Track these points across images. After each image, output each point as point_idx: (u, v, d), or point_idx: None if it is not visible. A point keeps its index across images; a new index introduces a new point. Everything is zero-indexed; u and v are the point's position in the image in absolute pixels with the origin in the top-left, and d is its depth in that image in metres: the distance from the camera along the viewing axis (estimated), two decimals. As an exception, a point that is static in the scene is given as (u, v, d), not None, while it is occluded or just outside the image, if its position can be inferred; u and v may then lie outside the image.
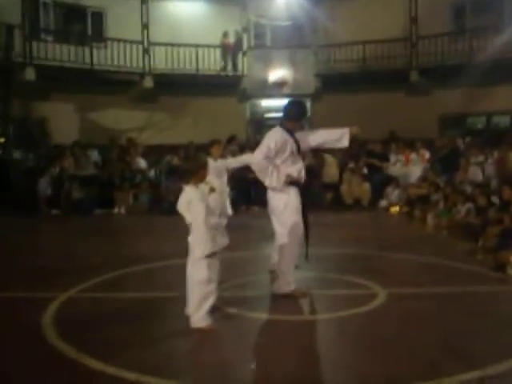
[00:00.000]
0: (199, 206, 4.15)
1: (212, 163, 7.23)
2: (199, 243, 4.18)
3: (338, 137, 5.32)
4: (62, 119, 15.47)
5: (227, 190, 7.41)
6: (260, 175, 5.11)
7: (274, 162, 5.05)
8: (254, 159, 5.15)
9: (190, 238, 4.25)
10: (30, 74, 14.60)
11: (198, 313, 4.19)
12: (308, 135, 5.39)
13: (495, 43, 14.87)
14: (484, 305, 4.88)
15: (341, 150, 13.81)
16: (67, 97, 15.45)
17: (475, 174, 11.05)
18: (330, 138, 5.38)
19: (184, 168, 4.44)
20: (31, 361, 3.71)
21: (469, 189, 9.76)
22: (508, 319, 4.47)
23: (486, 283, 5.59)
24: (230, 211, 6.41)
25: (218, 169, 6.87)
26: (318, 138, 5.37)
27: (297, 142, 5.18)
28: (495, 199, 8.44)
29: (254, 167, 5.15)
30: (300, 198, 5.12)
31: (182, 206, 4.22)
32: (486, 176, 11.16)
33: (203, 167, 4.33)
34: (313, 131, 5.56)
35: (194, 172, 4.25)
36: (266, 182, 5.07)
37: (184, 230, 4.37)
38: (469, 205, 8.78)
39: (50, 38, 15.90)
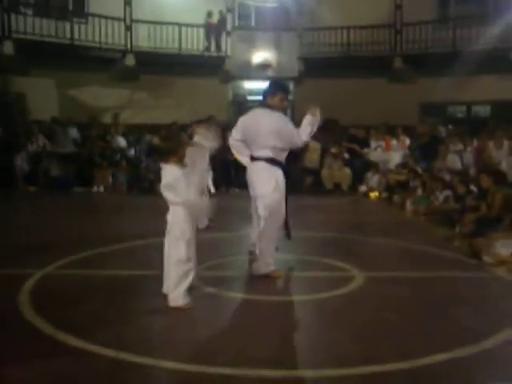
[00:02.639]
0: (181, 185, 4.13)
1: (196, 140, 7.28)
2: (179, 222, 4.17)
3: (306, 127, 5.25)
4: (41, 95, 15.20)
5: (209, 170, 7.45)
6: (233, 151, 5.31)
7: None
8: (229, 142, 5.29)
9: (170, 217, 4.23)
10: (8, 48, 14.24)
11: (176, 291, 4.19)
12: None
13: (479, 33, 14.97)
14: (459, 290, 4.95)
15: (322, 135, 13.87)
16: (47, 72, 15.16)
17: (454, 161, 11.15)
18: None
19: (163, 147, 4.40)
20: (8, 338, 3.67)
21: (447, 176, 9.86)
22: (481, 304, 4.55)
23: (462, 269, 5.67)
24: (212, 189, 6.46)
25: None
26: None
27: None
28: (473, 187, 8.56)
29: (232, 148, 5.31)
30: (284, 182, 5.12)
31: (163, 185, 4.19)
32: (465, 164, 11.28)
33: (182, 146, 4.30)
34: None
35: (173, 151, 4.22)
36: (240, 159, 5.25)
37: (163, 209, 4.35)
38: (447, 192, 8.88)
39: (29, 12, 15.55)
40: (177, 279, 4.18)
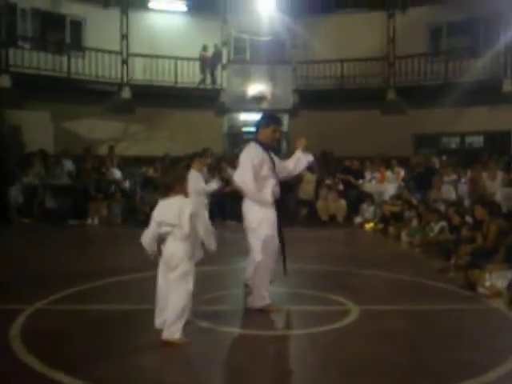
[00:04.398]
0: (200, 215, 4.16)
1: (198, 175, 7.34)
2: (189, 258, 4.16)
3: (294, 163, 5.37)
4: (37, 128, 15.24)
5: (206, 202, 7.48)
6: (252, 198, 5.06)
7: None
8: (248, 189, 5.02)
9: (178, 253, 4.17)
10: (5, 81, 14.37)
11: (175, 325, 4.11)
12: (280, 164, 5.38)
13: (470, 65, 15.20)
14: (455, 322, 4.91)
15: (318, 167, 13.94)
16: (43, 105, 15.25)
17: (448, 192, 11.19)
18: (289, 168, 5.40)
19: (162, 181, 4.39)
20: (-3, 374, 3.60)
21: (442, 207, 9.88)
22: (478, 337, 4.51)
23: (457, 301, 5.64)
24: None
25: (197, 184, 6.95)
26: (284, 171, 5.36)
27: (271, 158, 5.18)
28: (468, 218, 8.56)
29: (246, 193, 5.08)
30: (276, 214, 5.12)
31: (182, 217, 4.14)
32: (459, 195, 11.32)
33: (181, 181, 4.30)
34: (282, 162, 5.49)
35: (172, 185, 4.22)
36: (265, 200, 5.03)
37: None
38: (442, 223, 8.88)
39: (27, 46, 15.74)
40: (179, 313, 4.11)
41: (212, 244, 4.27)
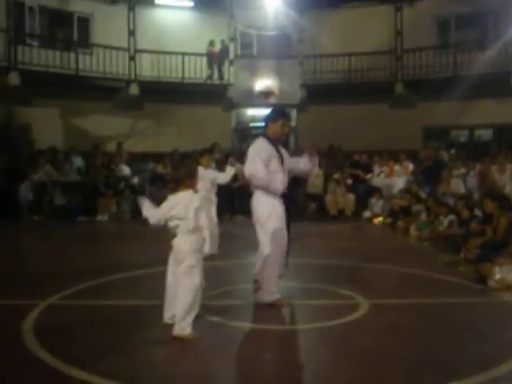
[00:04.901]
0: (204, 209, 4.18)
1: (200, 172, 7.33)
2: (195, 251, 4.18)
3: (301, 165, 5.43)
4: (46, 125, 15.33)
5: (215, 199, 7.51)
6: (264, 186, 5.06)
7: None
8: (260, 177, 5.02)
9: (183, 247, 4.20)
10: (14, 79, 14.45)
11: (185, 320, 4.13)
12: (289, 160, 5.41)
13: (478, 58, 15.11)
14: (465, 316, 4.91)
15: (326, 161, 13.95)
16: (51, 102, 15.33)
17: (457, 186, 11.15)
18: (295, 166, 5.43)
19: (172, 176, 4.42)
20: (12, 370, 3.63)
21: (451, 201, 9.85)
22: (488, 331, 4.50)
23: (467, 295, 5.63)
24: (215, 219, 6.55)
25: (206, 178, 6.99)
26: (292, 167, 5.38)
27: (280, 152, 5.19)
28: (477, 211, 8.53)
29: (258, 182, 5.08)
30: (284, 208, 5.13)
31: (188, 210, 4.16)
32: (469, 188, 11.27)
33: (192, 175, 4.32)
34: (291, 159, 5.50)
35: (184, 179, 4.24)
36: (276, 189, 5.06)
37: (167, 237, 4.35)
38: (451, 217, 8.86)
39: (35, 43, 15.81)
40: (188, 308, 4.12)
41: (206, 247, 4.26)
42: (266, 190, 5.06)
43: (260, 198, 5.09)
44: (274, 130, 5.21)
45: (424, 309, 5.17)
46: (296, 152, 5.52)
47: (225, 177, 7.54)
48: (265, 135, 5.23)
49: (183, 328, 4.12)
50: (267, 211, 5.02)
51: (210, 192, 7.29)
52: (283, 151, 5.31)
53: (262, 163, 5.01)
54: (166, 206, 4.27)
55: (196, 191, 4.32)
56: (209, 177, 7.21)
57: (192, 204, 4.17)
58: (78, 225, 12.40)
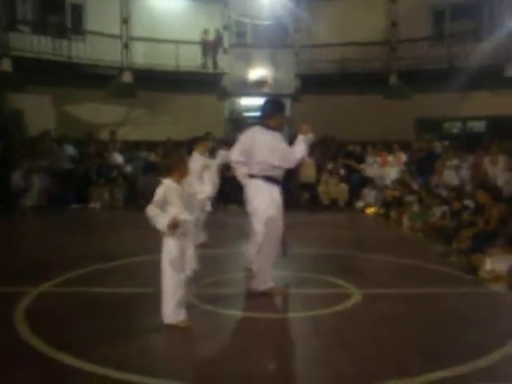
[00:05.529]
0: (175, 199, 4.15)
1: (200, 158, 7.38)
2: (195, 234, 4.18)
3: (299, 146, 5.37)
4: (38, 112, 15.21)
5: (217, 181, 7.58)
6: (234, 169, 5.28)
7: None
8: (230, 159, 5.31)
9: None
10: (6, 65, 14.32)
11: (167, 307, 4.12)
12: None
13: (473, 49, 15.11)
14: (456, 306, 4.95)
15: (319, 151, 13.95)
16: (44, 89, 15.22)
17: (450, 177, 11.19)
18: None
19: (163, 164, 4.40)
20: (3, 357, 3.63)
21: (444, 192, 9.88)
22: (479, 321, 4.54)
23: (459, 285, 5.67)
24: (208, 207, 6.59)
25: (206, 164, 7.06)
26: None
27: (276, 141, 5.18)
28: (469, 203, 8.57)
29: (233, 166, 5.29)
30: (281, 198, 5.14)
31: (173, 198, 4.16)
32: (461, 180, 11.32)
33: (182, 163, 4.30)
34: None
35: (173, 167, 4.22)
36: (240, 177, 5.19)
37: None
38: (444, 208, 8.90)
39: (27, 29, 15.63)
40: (167, 295, 4.12)
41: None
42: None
43: (259, 188, 5.06)
44: (271, 124, 5.21)
45: (416, 299, 5.20)
46: (291, 142, 5.49)
47: (214, 162, 7.62)
48: (262, 124, 5.21)
49: (168, 315, 4.10)
50: (267, 200, 5.01)
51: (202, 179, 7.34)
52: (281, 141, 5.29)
53: (238, 148, 5.22)
54: (161, 193, 4.22)
55: (185, 177, 4.29)
56: (200, 163, 7.27)
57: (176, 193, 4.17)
58: (70, 213, 12.36)
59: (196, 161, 7.13)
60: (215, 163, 7.65)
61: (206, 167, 7.34)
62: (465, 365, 3.48)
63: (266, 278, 5.12)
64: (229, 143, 13.87)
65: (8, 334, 3.99)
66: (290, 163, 5.16)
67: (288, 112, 15.86)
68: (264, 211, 4.99)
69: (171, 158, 4.35)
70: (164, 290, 4.14)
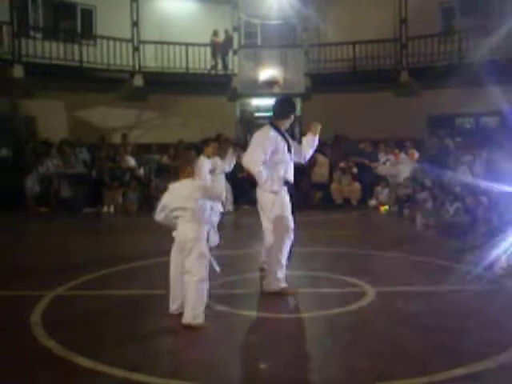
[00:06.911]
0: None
1: (206, 161, 7.37)
2: (202, 240, 4.20)
3: (306, 144, 5.40)
4: (51, 117, 15.35)
5: (227, 186, 7.56)
6: (258, 180, 5.07)
7: (268, 162, 5.04)
8: (253, 169, 5.05)
9: (189, 236, 4.20)
10: (18, 72, 14.45)
11: (196, 310, 4.16)
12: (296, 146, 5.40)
13: (484, 45, 14.98)
14: (472, 303, 4.91)
15: (331, 150, 13.93)
16: (56, 94, 15.34)
17: (464, 173, 11.10)
18: (303, 151, 5.42)
19: (173, 165, 4.46)
20: (20, 360, 3.67)
21: (457, 188, 9.80)
22: (494, 317, 4.49)
23: (474, 282, 5.61)
24: (221, 208, 6.59)
25: (211, 167, 7.04)
26: (298, 153, 5.38)
27: (287, 140, 5.19)
28: (483, 199, 8.50)
29: (254, 174, 5.11)
30: (289, 196, 5.13)
31: (189, 200, 4.18)
32: (475, 176, 11.22)
33: (191, 163, 4.34)
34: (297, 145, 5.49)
35: (180, 170, 4.25)
36: (267, 188, 5.04)
37: (171, 228, 4.36)
38: (457, 204, 8.83)
39: (38, 35, 15.75)
40: (200, 296, 4.16)
41: (215, 238, 4.30)
42: (260, 183, 5.07)
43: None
44: (282, 124, 5.21)
45: (431, 296, 5.17)
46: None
47: (223, 165, 7.61)
48: (272, 124, 5.21)
49: (196, 316, 4.14)
50: (272, 200, 5.02)
51: (212, 181, 7.32)
52: (290, 140, 5.30)
53: (261, 157, 4.98)
54: (166, 199, 4.26)
55: (196, 179, 4.34)
56: (207, 166, 7.25)
57: (194, 193, 4.19)
58: (84, 217, 12.44)
59: (202, 164, 7.12)
60: (224, 166, 7.64)
61: (212, 170, 7.32)
62: (483, 362, 3.45)
63: (279, 277, 5.12)
64: (240, 144, 13.96)
65: (25, 337, 4.04)
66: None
67: (298, 112, 15.88)
68: (270, 210, 5.00)
69: (178, 161, 4.39)
70: (197, 292, 4.17)
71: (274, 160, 5.05)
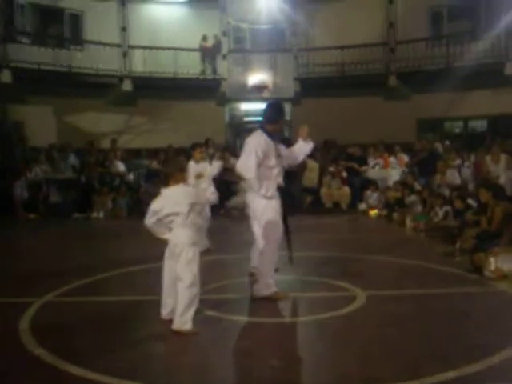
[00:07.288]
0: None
1: (194, 166, 7.38)
2: (192, 245, 4.18)
3: (299, 150, 5.42)
4: (39, 122, 15.27)
5: (212, 191, 7.57)
6: (253, 186, 5.06)
7: (260, 168, 5.03)
8: (248, 176, 5.03)
9: (178, 240, 4.20)
10: (5, 77, 14.37)
11: (186, 315, 4.14)
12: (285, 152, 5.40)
13: (471, 49, 15.11)
14: (461, 306, 4.93)
15: (321, 155, 13.98)
16: (44, 100, 15.28)
17: (453, 177, 11.18)
18: (293, 155, 5.43)
19: (163, 171, 4.45)
20: (9, 367, 3.63)
21: (446, 192, 9.87)
22: (484, 320, 4.52)
23: (464, 284, 5.64)
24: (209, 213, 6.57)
25: (199, 171, 7.02)
26: (289, 158, 5.39)
27: (277, 146, 5.19)
28: (472, 202, 8.56)
29: (246, 179, 5.12)
30: (279, 201, 5.14)
31: (180, 205, 4.18)
32: (463, 179, 11.30)
33: (181, 169, 4.34)
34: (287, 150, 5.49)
35: (172, 174, 4.25)
36: (261, 193, 5.03)
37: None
38: (446, 208, 8.88)
39: (26, 40, 15.70)
40: (188, 302, 4.14)
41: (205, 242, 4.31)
42: (254, 189, 5.05)
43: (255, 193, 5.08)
44: (276, 128, 5.22)
45: (421, 299, 5.17)
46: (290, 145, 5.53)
47: (211, 170, 7.62)
48: (263, 128, 5.21)
49: (184, 322, 4.13)
50: (262, 205, 5.02)
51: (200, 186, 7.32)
52: (280, 145, 5.31)
53: (254, 163, 4.96)
54: (157, 204, 4.25)
55: (186, 184, 4.34)
56: (194, 171, 7.25)
57: (185, 198, 4.18)
58: (73, 222, 12.37)
59: (189, 169, 7.13)
60: (211, 170, 7.65)
61: (199, 175, 7.32)
62: (474, 364, 3.46)
63: (269, 282, 5.11)
64: (230, 149, 13.95)
65: (13, 345, 3.99)
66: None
67: (288, 116, 15.92)
68: (261, 215, 5.00)
69: (167, 167, 4.39)
70: (185, 297, 4.15)
71: (266, 165, 5.05)
